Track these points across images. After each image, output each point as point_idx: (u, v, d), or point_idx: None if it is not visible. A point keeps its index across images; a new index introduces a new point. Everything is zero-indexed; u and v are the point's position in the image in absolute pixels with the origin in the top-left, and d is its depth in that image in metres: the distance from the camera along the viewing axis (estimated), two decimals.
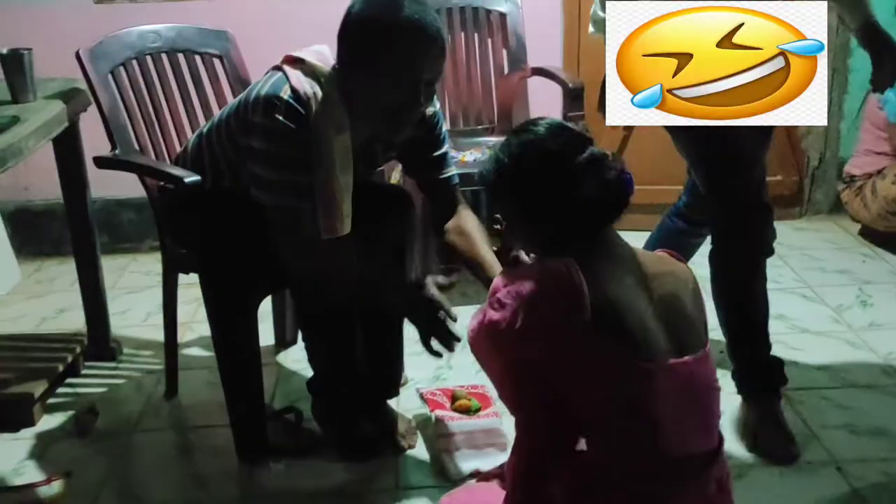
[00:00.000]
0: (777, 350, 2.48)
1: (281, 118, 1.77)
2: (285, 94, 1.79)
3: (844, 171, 3.35)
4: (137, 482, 2.13)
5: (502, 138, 3.07)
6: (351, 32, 1.79)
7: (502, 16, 3.15)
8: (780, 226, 3.40)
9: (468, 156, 2.94)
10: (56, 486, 2.01)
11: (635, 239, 3.29)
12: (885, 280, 3.02)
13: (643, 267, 1.38)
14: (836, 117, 3.46)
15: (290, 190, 1.81)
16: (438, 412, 2.21)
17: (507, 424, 2.18)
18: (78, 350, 2.56)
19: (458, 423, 2.16)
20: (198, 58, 2.44)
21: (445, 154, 2.09)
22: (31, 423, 2.30)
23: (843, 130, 3.49)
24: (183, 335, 2.68)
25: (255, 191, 1.84)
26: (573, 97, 2.85)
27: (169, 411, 2.40)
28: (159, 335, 2.51)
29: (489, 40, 3.17)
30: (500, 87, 3.19)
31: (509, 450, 2.08)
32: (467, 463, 2.06)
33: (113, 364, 2.64)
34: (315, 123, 1.80)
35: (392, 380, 2.32)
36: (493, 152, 1.48)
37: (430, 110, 1.99)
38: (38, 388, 2.34)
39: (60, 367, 2.46)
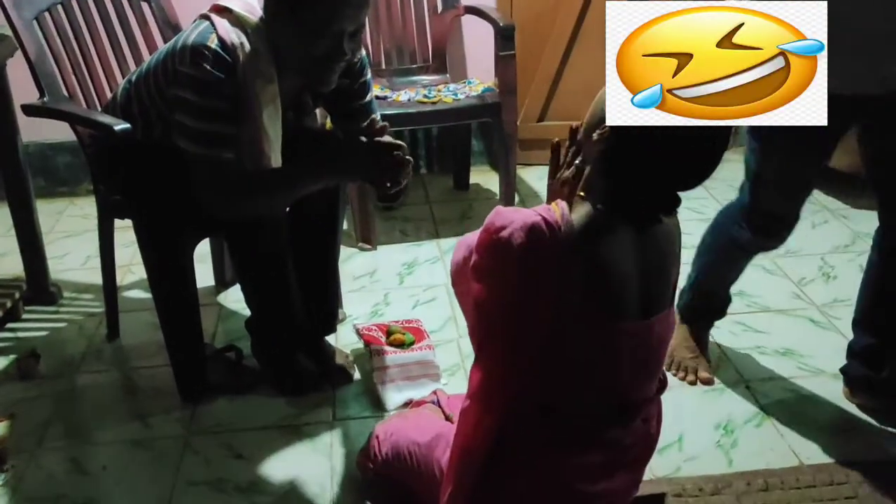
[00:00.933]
0: None
1: (208, 67, 1.78)
2: (212, 43, 1.79)
3: None
4: (82, 422, 2.15)
5: (437, 77, 3.15)
6: None
7: None
8: None
9: (402, 95, 2.95)
10: (0, 428, 2.02)
11: None
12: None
13: (649, 234, 1.35)
14: None
15: (216, 140, 1.84)
16: (374, 346, 2.26)
17: (439, 357, 2.27)
18: (17, 295, 2.55)
19: (392, 357, 2.22)
20: (125, 1, 2.42)
21: (370, 103, 2.14)
22: None
23: None
24: (123, 278, 2.70)
25: (181, 140, 1.86)
26: (505, 37, 2.88)
27: (111, 353, 2.41)
28: (100, 278, 2.51)
29: None
30: (433, 25, 3.20)
31: (442, 380, 2.19)
32: (402, 393, 2.14)
33: (53, 308, 2.64)
34: (242, 74, 1.81)
35: (329, 316, 2.38)
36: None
37: (358, 83, 2.04)
38: None
39: (0, 313, 2.47)
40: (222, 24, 1.83)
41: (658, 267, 1.37)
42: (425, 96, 2.92)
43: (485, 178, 3.50)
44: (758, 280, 2.64)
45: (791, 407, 2.10)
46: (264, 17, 1.87)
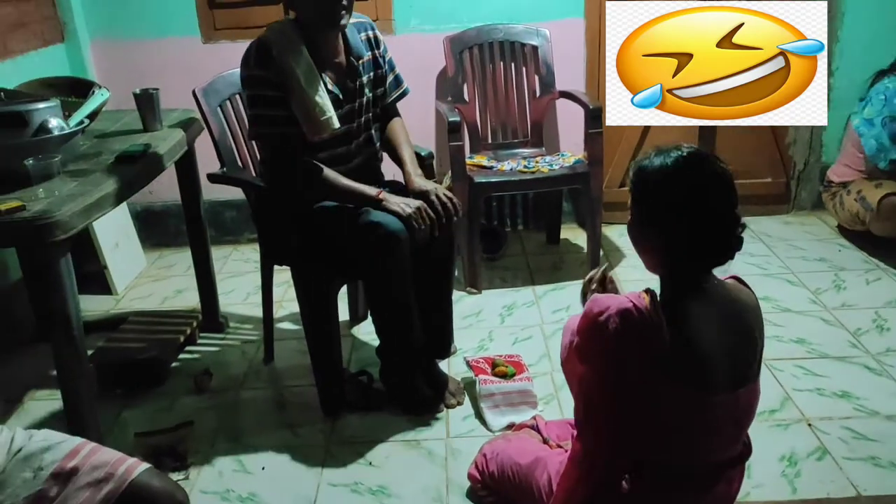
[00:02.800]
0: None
1: (251, 64, 2.02)
2: (252, 46, 2.05)
3: (826, 176, 3.36)
4: (244, 430, 2.23)
5: (535, 150, 3.21)
6: None
7: (534, 48, 3.22)
8: (769, 220, 3.52)
9: (506, 165, 3.01)
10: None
11: None
12: (857, 267, 3.02)
13: (726, 301, 1.30)
14: (819, 128, 3.46)
15: (268, 121, 2.04)
16: (481, 376, 2.29)
17: (537, 387, 2.27)
18: (194, 324, 2.70)
19: (497, 386, 2.23)
20: None
21: (391, 81, 2.31)
22: (161, 383, 2.44)
23: (825, 140, 3.48)
24: (276, 311, 2.81)
25: (250, 128, 2.09)
26: (593, 117, 2.92)
27: (267, 373, 2.51)
28: (257, 311, 2.63)
29: (523, 69, 3.24)
30: (532, 107, 3.26)
31: (539, 407, 2.20)
32: (504, 417, 2.16)
33: (221, 335, 2.76)
34: (280, 57, 2.01)
35: (444, 346, 2.43)
36: (642, 163, 1.35)
37: (379, 50, 2.23)
38: (166, 354, 2.50)
39: (181, 338, 2.61)
40: (263, 34, 2.05)
41: (744, 339, 1.30)
42: (525, 167, 2.98)
43: (573, 234, 3.52)
44: (818, 330, 2.58)
45: (849, 444, 2.03)
46: (288, 18, 2.10)
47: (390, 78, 2.30)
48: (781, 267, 3.07)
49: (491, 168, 3.00)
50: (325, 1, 1.99)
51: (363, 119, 2.23)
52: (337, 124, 2.08)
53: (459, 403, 2.27)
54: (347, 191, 2.11)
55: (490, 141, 3.27)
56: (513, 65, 3.25)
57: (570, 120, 3.35)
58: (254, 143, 2.34)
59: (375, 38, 2.24)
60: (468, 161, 3.00)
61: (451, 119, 2.87)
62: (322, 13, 2.02)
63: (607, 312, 1.24)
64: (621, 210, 3.43)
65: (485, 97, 3.24)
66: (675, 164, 1.27)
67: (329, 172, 2.10)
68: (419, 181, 2.19)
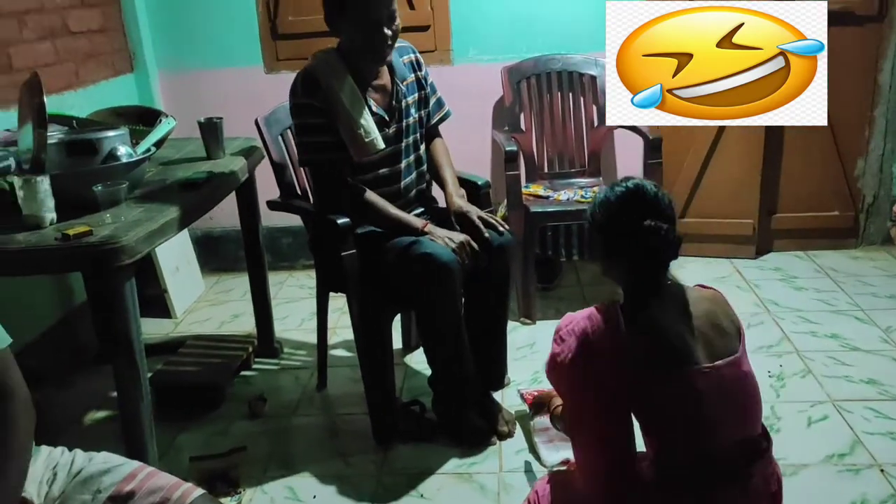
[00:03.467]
0: (830, 365, 2.47)
1: (298, 93, 2.10)
2: (299, 76, 2.12)
3: (893, 210, 3.24)
4: (296, 457, 2.23)
5: (592, 179, 3.18)
6: (323, 2, 2.08)
7: (593, 78, 3.21)
8: (836, 255, 3.41)
9: (563, 195, 3.00)
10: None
11: (706, 265, 3.32)
12: None
13: (685, 295, 1.42)
14: (889, 160, 3.36)
15: (315, 148, 2.11)
16: (533, 409, 2.21)
17: None
18: (250, 349, 2.73)
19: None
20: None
21: (437, 101, 2.37)
22: (217, 407, 2.48)
23: (895, 172, 3.38)
24: (330, 338, 2.83)
25: (299, 156, 2.17)
26: (653, 147, 2.88)
27: (320, 400, 2.52)
28: (311, 338, 2.65)
29: (581, 99, 3.23)
30: (590, 137, 3.24)
31: None
32: (559, 453, 2.10)
33: (276, 360, 2.79)
34: (326, 84, 2.07)
35: (498, 376, 2.40)
36: (593, 200, 1.52)
37: (421, 72, 2.28)
38: (222, 378, 2.53)
39: (237, 363, 2.64)
40: (309, 64, 2.11)
41: (706, 321, 1.40)
42: (582, 196, 2.96)
43: None
44: (889, 370, 2.47)
45: None
46: (332, 47, 2.17)
47: (433, 100, 2.35)
48: (850, 304, 2.96)
49: (547, 198, 2.99)
50: (372, 38, 2.05)
51: (410, 139, 2.26)
52: (382, 144, 2.13)
53: (511, 434, 2.25)
54: (394, 219, 2.14)
55: (546, 170, 3.26)
56: (570, 94, 3.24)
57: (627, 149, 3.33)
58: (304, 169, 2.40)
59: (417, 60, 2.30)
60: (524, 190, 2.99)
61: (508, 148, 2.87)
62: (369, 49, 2.08)
63: (564, 351, 1.40)
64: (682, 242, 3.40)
65: (542, 126, 3.24)
66: (617, 198, 1.43)
67: (377, 199, 2.14)
68: (459, 202, 2.22)
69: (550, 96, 3.23)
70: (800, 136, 3.34)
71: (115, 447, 1.86)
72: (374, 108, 2.15)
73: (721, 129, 3.28)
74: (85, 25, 2.95)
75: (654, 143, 2.88)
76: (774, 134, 3.32)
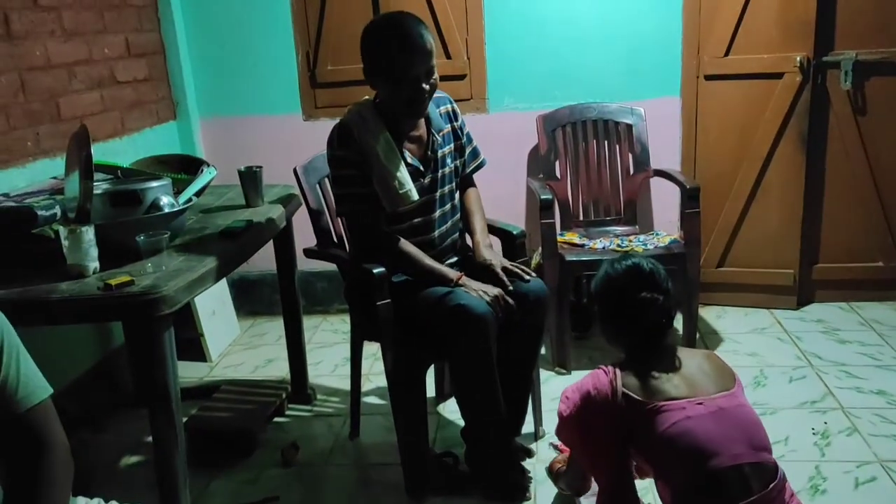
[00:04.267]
0: (877, 423, 2.40)
1: (335, 145, 2.13)
2: (335, 129, 2.15)
3: None
4: None
5: (628, 228, 3.17)
6: (362, 49, 2.09)
7: (629, 126, 3.22)
8: (880, 307, 3.34)
9: (598, 244, 2.97)
10: None
11: (745, 315, 3.23)
12: None
13: (676, 354, 1.67)
14: None
15: (351, 199, 2.14)
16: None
17: None
18: (284, 395, 2.74)
19: None
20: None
21: (472, 151, 2.39)
22: (250, 454, 2.47)
23: None
24: (363, 384, 2.83)
25: (337, 207, 2.22)
26: (691, 196, 2.86)
27: (353, 449, 2.50)
28: (344, 384, 2.65)
29: (617, 147, 3.23)
30: (625, 185, 3.23)
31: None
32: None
33: (309, 407, 2.78)
34: (360, 137, 2.09)
35: (517, 422, 2.34)
36: (595, 276, 1.79)
37: (457, 122, 2.30)
38: (256, 425, 2.53)
39: (271, 409, 2.64)
40: (344, 117, 2.15)
41: (698, 370, 1.63)
42: (619, 245, 2.94)
43: None
44: None
45: None
46: (369, 98, 2.20)
47: (468, 150, 2.36)
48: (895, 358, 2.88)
49: (583, 246, 2.97)
50: (409, 94, 2.08)
51: (445, 189, 2.27)
52: (416, 196, 2.15)
53: (523, 495, 2.18)
54: (428, 269, 2.15)
55: (581, 218, 3.25)
56: (606, 142, 3.24)
57: (664, 198, 3.31)
58: (341, 218, 2.42)
59: (454, 111, 2.32)
60: (559, 238, 2.98)
61: (543, 197, 2.87)
62: (406, 103, 2.11)
63: (570, 407, 1.70)
64: (720, 291, 3.37)
65: (577, 174, 3.24)
66: (617, 274, 1.70)
67: (412, 249, 2.16)
68: (485, 253, 2.24)
69: (586, 144, 3.24)
70: (841, 187, 3.29)
71: (149, 494, 1.88)
72: (408, 160, 2.17)
73: (760, 176, 3.26)
74: (131, 75, 3.05)
75: (691, 192, 2.85)
76: (815, 182, 3.28)
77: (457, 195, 2.35)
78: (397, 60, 2.03)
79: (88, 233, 1.83)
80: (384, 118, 2.15)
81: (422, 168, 2.20)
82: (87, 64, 2.77)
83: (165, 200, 2.03)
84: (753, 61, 3.16)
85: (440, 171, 2.25)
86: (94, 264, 1.85)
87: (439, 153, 2.24)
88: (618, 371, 1.63)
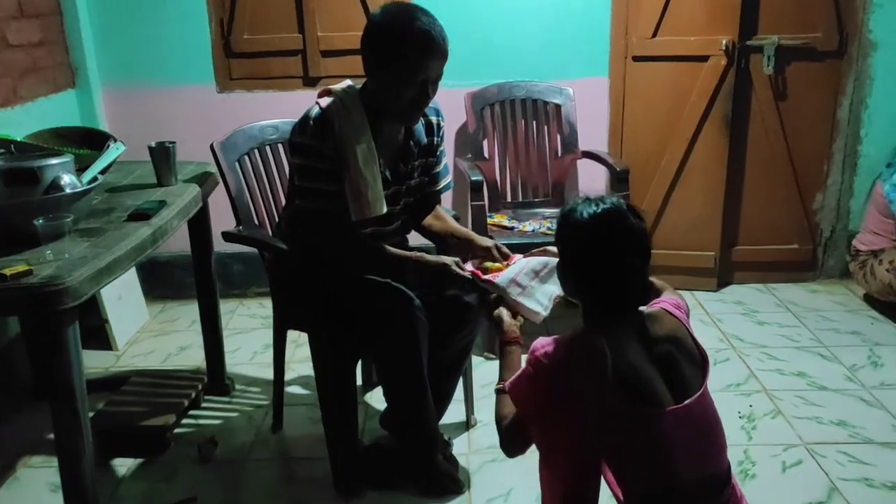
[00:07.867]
0: (799, 406, 2.45)
1: (309, 134, 1.90)
2: (313, 113, 1.92)
3: (852, 245, 3.29)
4: None
5: (556, 210, 3.14)
6: (371, 42, 1.90)
7: (557, 107, 3.19)
8: (795, 288, 3.44)
9: (528, 226, 2.94)
10: None
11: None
12: (892, 342, 2.92)
13: (648, 331, 1.39)
14: (846, 194, 3.41)
15: (317, 195, 1.93)
16: (488, 276, 1.85)
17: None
18: (199, 387, 2.59)
19: (511, 269, 1.85)
20: None
21: (440, 171, 2.21)
22: (163, 451, 2.33)
23: (853, 207, 3.42)
24: (285, 373, 2.72)
25: (297, 198, 1.97)
26: (620, 179, 2.86)
27: (275, 443, 2.39)
28: (265, 373, 2.52)
29: (546, 127, 3.20)
30: (554, 166, 3.21)
31: None
32: (544, 294, 1.78)
33: (227, 399, 2.65)
34: (340, 132, 1.91)
35: (440, 405, 2.25)
36: (561, 212, 1.45)
37: (437, 138, 2.14)
38: (169, 419, 2.38)
39: (186, 402, 2.49)
40: (325, 101, 1.94)
41: (668, 361, 1.36)
42: (549, 228, 2.91)
43: None
44: (858, 411, 2.46)
45: None
46: (354, 86, 2.00)
47: (440, 168, 2.20)
48: (813, 340, 2.97)
49: (512, 229, 2.93)
50: (409, 99, 1.91)
51: (402, 203, 2.14)
52: (384, 209, 2.00)
53: (458, 488, 2.13)
54: (414, 260, 2.01)
55: (510, 199, 3.21)
56: (535, 123, 3.20)
57: (591, 180, 3.30)
58: (269, 199, 2.27)
59: (438, 124, 2.15)
60: (489, 221, 2.92)
61: (473, 178, 2.80)
62: (402, 108, 1.94)
63: (546, 347, 1.34)
64: None
65: (505, 154, 3.19)
66: (593, 216, 1.38)
67: (386, 246, 2.03)
68: (484, 238, 2.12)
69: (514, 124, 3.19)
70: (761, 170, 3.37)
71: (54, 497, 1.72)
72: (380, 166, 2.01)
73: (685, 159, 3.29)
74: (24, 38, 2.78)
75: (621, 174, 2.85)
76: (737, 165, 3.34)
77: (414, 213, 2.20)
78: (414, 61, 1.85)
79: None
80: (369, 115, 1.97)
81: (390, 178, 2.05)
82: None
83: (67, 179, 1.85)
84: (680, 43, 3.17)
85: (407, 182, 2.11)
86: None
87: (410, 165, 2.10)
88: (606, 348, 1.32)
